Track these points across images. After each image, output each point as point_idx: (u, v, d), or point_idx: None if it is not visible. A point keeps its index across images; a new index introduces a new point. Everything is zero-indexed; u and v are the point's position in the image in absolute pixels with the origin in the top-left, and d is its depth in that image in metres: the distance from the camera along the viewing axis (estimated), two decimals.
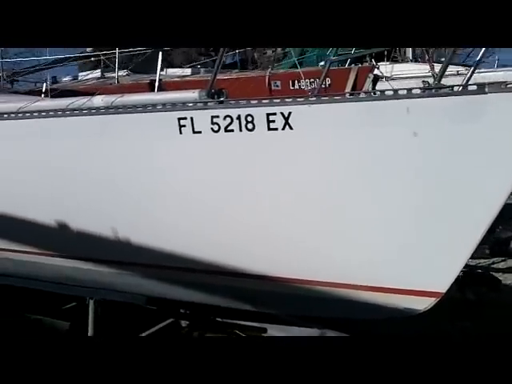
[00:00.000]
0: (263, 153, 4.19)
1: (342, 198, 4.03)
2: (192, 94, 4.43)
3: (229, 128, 4.22)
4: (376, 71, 7.97)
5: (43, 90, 6.93)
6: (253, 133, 4.17)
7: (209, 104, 4.29)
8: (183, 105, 4.35)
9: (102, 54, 8.29)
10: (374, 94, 3.83)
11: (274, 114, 4.07)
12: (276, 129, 4.10)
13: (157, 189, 4.64)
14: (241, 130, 4.20)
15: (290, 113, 4.03)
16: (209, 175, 4.40)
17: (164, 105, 4.41)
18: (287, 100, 4.06)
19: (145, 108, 4.47)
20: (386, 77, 8.65)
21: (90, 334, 5.65)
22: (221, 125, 4.24)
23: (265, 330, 6.43)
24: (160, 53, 5.61)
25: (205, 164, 4.39)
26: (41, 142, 4.97)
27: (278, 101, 4.09)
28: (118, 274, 5.30)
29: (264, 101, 4.13)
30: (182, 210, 4.67)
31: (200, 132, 4.32)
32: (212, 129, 4.27)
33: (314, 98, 4.01)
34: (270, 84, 8.14)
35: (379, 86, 7.69)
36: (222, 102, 4.31)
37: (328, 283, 4.38)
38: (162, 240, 4.87)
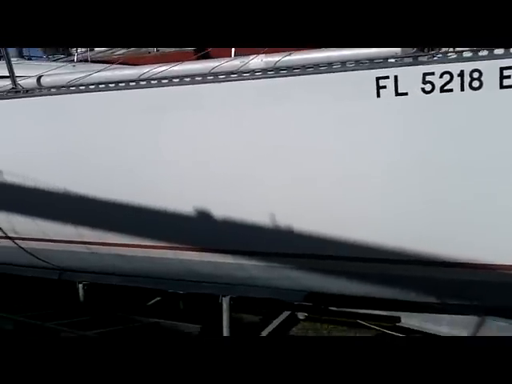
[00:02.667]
0: (494, 116, 3.43)
1: None
2: (392, 48, 3.62)
3: (446, 87, 3.44)
4: None
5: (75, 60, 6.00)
6: (479, 92, 3.39)
7: (420, 59, 3.49)
8: (384, 61, 3.54)
9: None
10: None
11: (511, 67, 3.31)
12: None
13: (339, 167, 3.84)
14: (462, 90, 3.41)
15: None
16: (414, 148, 3.62)
17: (357, 62, 3.59)
18: None
19: (330, 67, 3.65)
20: None
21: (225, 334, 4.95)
22: (436, 84, 3.45)
23: (398, 319, 5.80)
24: None
25: (410, 134, 3.60)
26: (187, 114, 4.11)
27: None
28: (267, 267, 4.53)
29: (496, 51, 3.35)
30: (363, 192, 3.88)
31: (405, 94, 3.53)
32: (423, 89, 3.48)
33: None
34: None
35: None
36: (434, 56, 3.52)
37: None
38: (332, 227, 4.09)
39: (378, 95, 3.57)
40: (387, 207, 3.90)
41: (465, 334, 5.24)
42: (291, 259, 4.44)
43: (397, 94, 3.54)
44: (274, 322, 5.78)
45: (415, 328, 5.62)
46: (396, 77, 3.51)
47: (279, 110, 3.82)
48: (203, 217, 4.41)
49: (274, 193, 4.13)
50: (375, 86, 3.56)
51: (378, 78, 3.54)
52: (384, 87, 3.55)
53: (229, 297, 4.85)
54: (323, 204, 4.05)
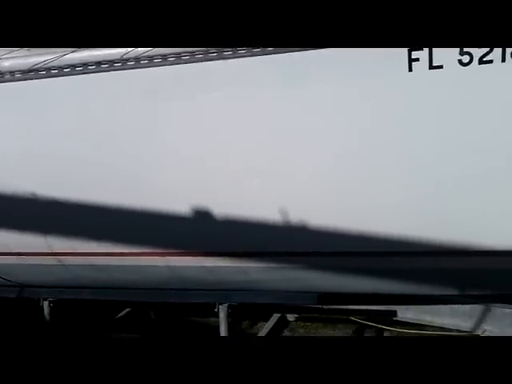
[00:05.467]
0: None
1: None
2: None
3: (486, 58, 3.11)
4: None
5: None
6: None
7: None
8: None
9: None
10: None
11: None
12: None
13: (358, 152, 3.43)
14: (504, 61, 3.10)
15: None
16: (450, 128, 3.26)
17: None
18: None
19: None
20: None
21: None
22: (474, 54, 3.12)
23: (394, 314, 5.52)
24: None
25: (446, 112, 3.25)
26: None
27: None
28: (273, 268, 4.05)
29: None
30: (378, 180, 3.51)
31: (441, 67, 3.17)
32: (460, 61, 3.14)
33: None
34: None
35: None
36: None
37: None
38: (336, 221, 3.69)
39: (410, 69, 3.19)
40: (398, 195, 3.54)
41: (467, 323, 5.06)
42: (295, 258, 4.00)
43: (431, 67, 3.18)
44: (266, 326, 5.33)
45: (412, 321, 5.37)
46: (430, 48, 3.14)
47: (294, 91, 3.34)
48: (196, 216, 3.87)
49: (284, 185, 3.67)
50: (407, 59, 3.18)
51: (410, 50, 3.16)
52: (417, 60, 3.17)
53: (227, 305, 4.33)
54: (333, 196, 3.65)
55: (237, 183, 3.74)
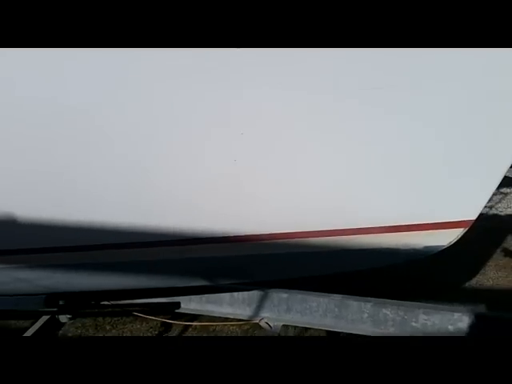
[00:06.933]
0: None
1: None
2: None
3: None
4: None
5: None
6: None
7: None
8: None
9: None
10: None
11: None
12: None
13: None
14: None
15: None
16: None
17: None
18: None
19: None
20: None
21: None
22: None
23: (178, 305, 5.15)
24: None
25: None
26: None
27: None
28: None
29: None
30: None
31: None
32: None
33: None
34: None
35: None
36: None
37: (327, 232, 3.29)
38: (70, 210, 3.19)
39: None
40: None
41: (246, 311, 4.79)
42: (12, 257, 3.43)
43: None
44: (29, 330, 4.69)
45: (196, 313, 5.03)
46: None
47: None
48: None
49: None
50: None
51: None
52: None
53: None
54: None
55: None
